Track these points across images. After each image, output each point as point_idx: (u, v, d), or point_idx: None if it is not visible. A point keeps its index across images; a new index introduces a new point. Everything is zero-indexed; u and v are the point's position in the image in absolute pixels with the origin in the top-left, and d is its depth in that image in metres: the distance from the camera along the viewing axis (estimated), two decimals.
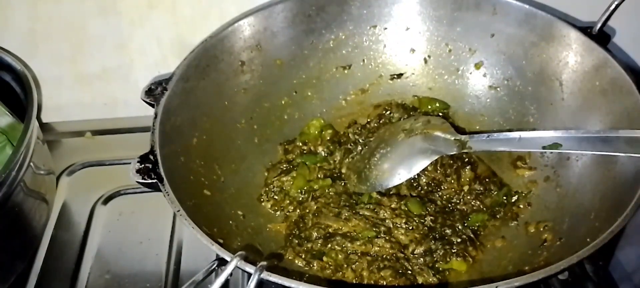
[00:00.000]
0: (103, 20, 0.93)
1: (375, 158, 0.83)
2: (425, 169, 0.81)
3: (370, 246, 0.75)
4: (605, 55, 0.78)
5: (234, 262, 0.57)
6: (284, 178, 0.84)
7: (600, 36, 0.80)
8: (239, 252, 0.59)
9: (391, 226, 0.77)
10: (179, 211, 0.64)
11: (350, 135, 0.89)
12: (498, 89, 0.90)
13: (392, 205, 0.79)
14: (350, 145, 0.88)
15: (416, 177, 0.82)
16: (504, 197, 0.82)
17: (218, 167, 0.81)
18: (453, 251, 0.75)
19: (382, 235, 0.76)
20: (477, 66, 0.91)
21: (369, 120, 0.91)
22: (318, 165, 0.86)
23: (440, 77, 0.93)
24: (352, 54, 0.93)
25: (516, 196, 0.82)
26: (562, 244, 0.72)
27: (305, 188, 0.83)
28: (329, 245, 0.75)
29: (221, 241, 0.64)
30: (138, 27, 0.94)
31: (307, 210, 0.80)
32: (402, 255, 0.75)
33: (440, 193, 0.82)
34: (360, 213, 0.78)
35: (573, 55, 0.82)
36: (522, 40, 0.86)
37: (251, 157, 0.86)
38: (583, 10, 0.92)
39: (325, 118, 0.92)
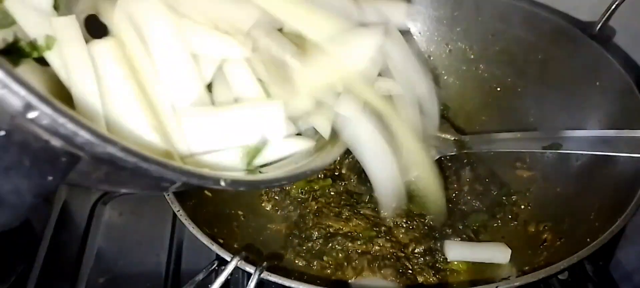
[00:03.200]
0: None
1: None
2: None
3: (370, 245, 0.75)
4: (606, 55, 0.78)
5: (234, 262, 0.57)
6: None
7: (600, 36, 0.80)
8: (239, 252, 0.59)
9: (392, 225, 0.77)
10: (179, 211, 0.64)
11: None
12: (498, 88, 0.90)
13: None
14: None
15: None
16: (504, 197, 0.82)
17: None
18: None
19: (383, 235, 0.76)
20: (478, 67, 0.91)
21: None
22: None
23: (440, 77, 0.93)
24: None
25: (516, 196, 0.82)
26: (562, 244, 0.72)
27: (305, 188, 0.83)
28: (330, 245, 0.75)
29: (221, 241, 0.64)
30: None
31: (308, 210, 0.80)
32: (402, 254, 0.75)
33: None
34: (361, 212, 0.79)
35: (573, 55, 0.82)
36: (522, 40, 0.86)
37: None
38: (583, 10, 0.92)
39: None
